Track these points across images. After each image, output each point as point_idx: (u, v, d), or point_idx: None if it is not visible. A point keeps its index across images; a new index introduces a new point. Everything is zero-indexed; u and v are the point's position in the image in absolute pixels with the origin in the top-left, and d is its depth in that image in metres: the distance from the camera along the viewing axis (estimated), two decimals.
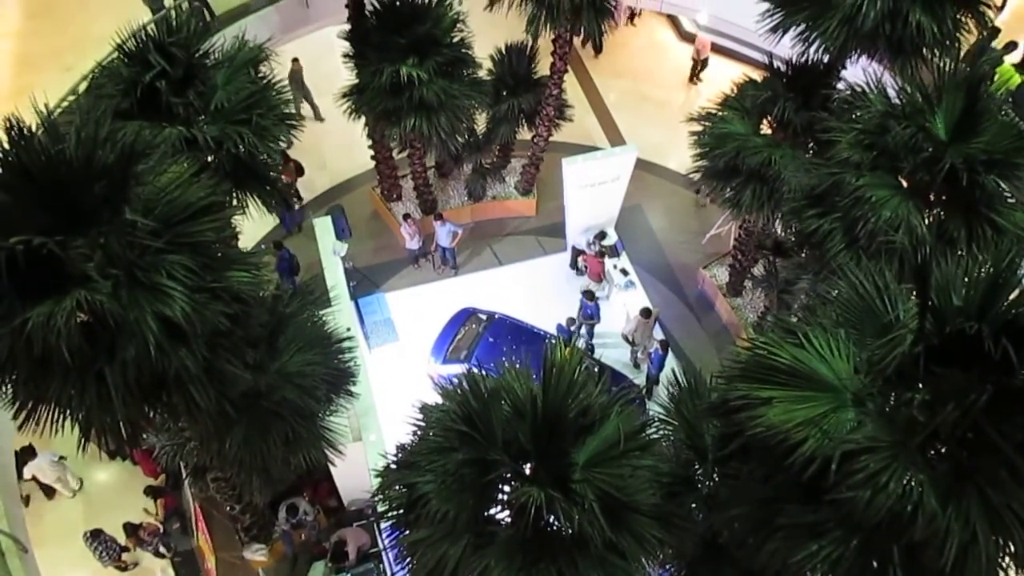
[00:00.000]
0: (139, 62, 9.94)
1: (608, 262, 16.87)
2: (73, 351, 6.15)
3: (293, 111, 11.36)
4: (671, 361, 15.22)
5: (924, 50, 11.20)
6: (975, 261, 5.86)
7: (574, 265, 17.60)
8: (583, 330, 16.00)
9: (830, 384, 6.18)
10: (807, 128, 12.54)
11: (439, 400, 7.52)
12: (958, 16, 11.12)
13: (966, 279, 5.77)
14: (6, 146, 6.07)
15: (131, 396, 6.61)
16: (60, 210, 6.17)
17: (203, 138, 10.05)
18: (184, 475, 12.71)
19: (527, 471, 7.02)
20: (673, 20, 23.53)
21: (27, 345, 6.09)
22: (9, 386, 6.76)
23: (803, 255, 11.91)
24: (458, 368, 13.46)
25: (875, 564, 6.09)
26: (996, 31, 11.89)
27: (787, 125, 12.84)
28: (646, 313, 15.27)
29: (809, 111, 12.40)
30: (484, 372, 7.43)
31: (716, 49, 21.52)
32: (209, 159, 10.29)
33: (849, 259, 9.54)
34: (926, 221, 9.57)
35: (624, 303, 16.38)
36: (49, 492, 14.43)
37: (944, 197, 9.68)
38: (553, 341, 7.30)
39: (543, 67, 16.65)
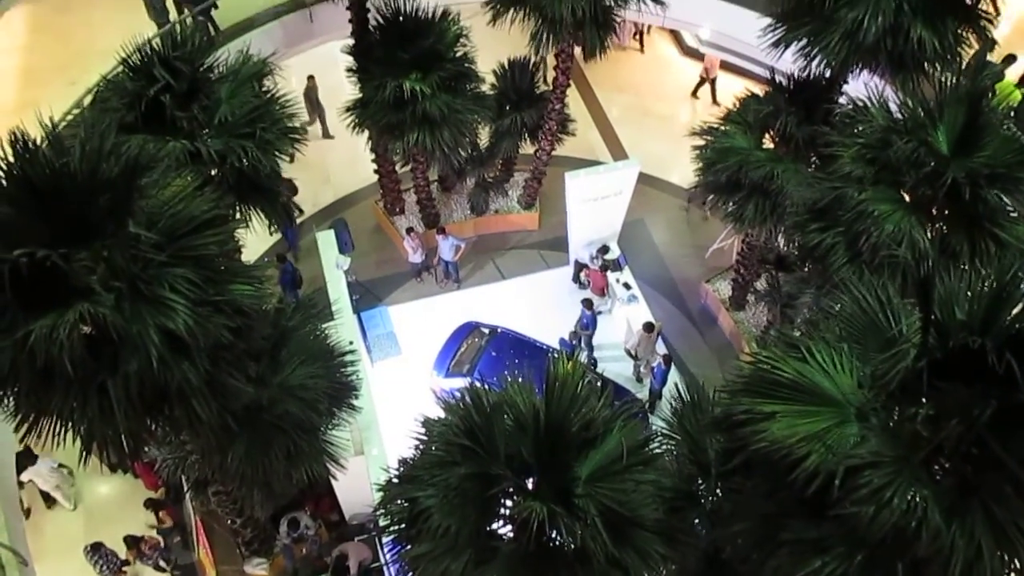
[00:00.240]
0: (144, 76, 9.99)
1: (611, 276, 16.87)
2: (76, 364, 6.15)
3: (298, 125, 11.36)
4: (674, 375, 15.19)
5: (925, 65, 11.24)
6: (978, 275, 5.85)
7: (577, 279, 17.62)
8: (582, 342, 16.00)
9: (833, 399, 6.16)
10: (809, 142, 12.58)
11: (441, 414, 7.50)
12: (959, 30, 11.16)
13: (969, 293, 5.76)
14: (11, 159, 6.09)
15: (133, 409, 6.60)
16: (64, 223, 6.18)
17: (207, 152, 10.09)
18: (185, 488, 12.67)
19: (529, 485, 6.99)
20: (676, 35, 23.63)
21: (30, 357, 6.09)
22: (11, 398, 6.76)
23: (806, 269, 11.92)
24: (461, 382, 13.45)
25: None
26: (994, 43, 11.94)
27: (789, 139, 12.87)
28: (649, 327, 15.25)
29: (811, 125, 12.44)
30: (487, 386, 7.42)
31: (721, 65, 21.59)
32: (213, 173, 10.33)
33: (852, 273, 9.54)
34: (929, 235, 9.57)
35: (627, 317, 16.36)
36: (48, 499, 14.39)
37: (947, 211, 9.68)
38: (556, 355, 7.29)
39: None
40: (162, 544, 13.53)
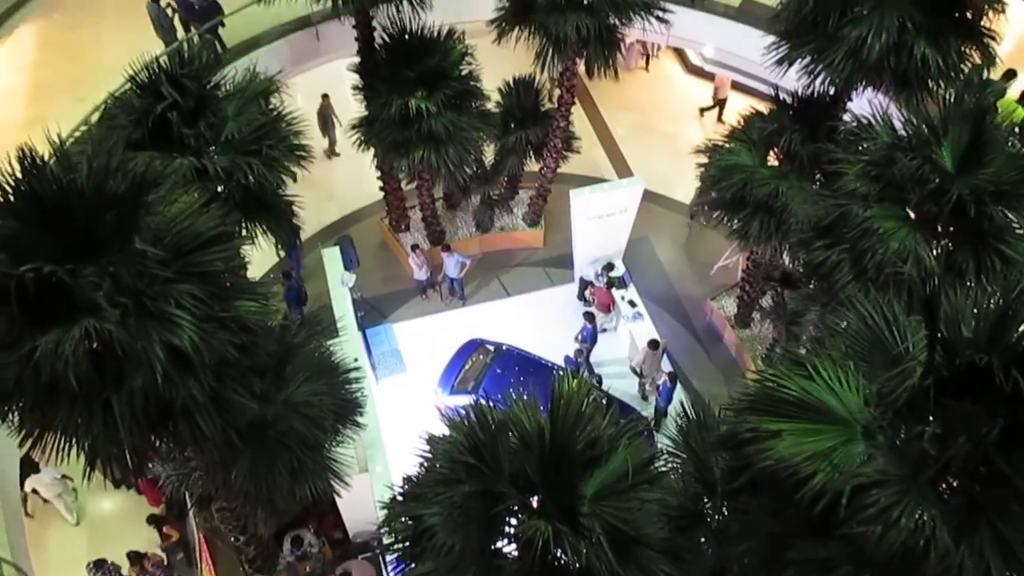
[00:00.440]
0: (151, 93, 10.07)
1: (616, 293, 16.86)
2: (81, 379, 6.16)
3: (308, 143, 11.42)
4: (679, 393, 15.14)
5: (929, 82, 11.26)
6: (984, 292, 5.84)
7: (582, 296, 17.61)
8: (584, 355, 15.99)
9: (840, 417, 6.12)
10: (814, 159, 12.58)
11: (446, 431, 7.48)
12: (962, 48, 11.19)
13: (975, 311, 5.75)
14: (19, 175, 6.13)
15: (137, 425, 6.60)
16: (71, 238, 6.22)
17: (213, 168, 10.15)
18: (189, 505, 12.64)
19: (534, 504, 6.95)
20: (680, 53, 23.74)
21: (35, 372, 6.11)
22: (15, 414, 6.76)
23: (811, 286, 11.89)
24: (465, 399, 13.41)
25: None
26: (994, 60, 11.96)
27: (794, 157, 12.88)
28: (654, 345, 15.22)
29: (815, 143, 12.45)
30: (491, 403, 7.40)
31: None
32: (219, 189, 10.37)
33: (857, 290, 9.50)
34: (934, 252, 9.55)
35: (632, 334, 16.33)
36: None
37: (952, 228, 9.66)
38: (561, 373, 7.28)
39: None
40: (165, 561, 13.48)
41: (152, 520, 14.06)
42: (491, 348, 15.97)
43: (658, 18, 14.09)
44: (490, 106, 15.61)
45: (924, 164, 9.13)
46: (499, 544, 7.25)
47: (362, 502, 11.79)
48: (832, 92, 12.43)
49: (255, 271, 14.12)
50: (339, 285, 14.70)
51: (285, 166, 10.88)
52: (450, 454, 7.19)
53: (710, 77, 22.45)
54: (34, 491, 13.96)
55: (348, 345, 12.09)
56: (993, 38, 11.31)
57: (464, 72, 14.52)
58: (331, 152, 20.38)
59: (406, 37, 14.22)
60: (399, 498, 7.72)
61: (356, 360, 11.55)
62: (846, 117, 12.55)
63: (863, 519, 5.53)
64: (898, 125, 9.69)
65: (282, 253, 17.23)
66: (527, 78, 16.46)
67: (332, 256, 15.25)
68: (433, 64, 14.09)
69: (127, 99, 10.25)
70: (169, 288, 6.48)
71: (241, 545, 12.64)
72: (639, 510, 6.81)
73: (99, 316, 6.17)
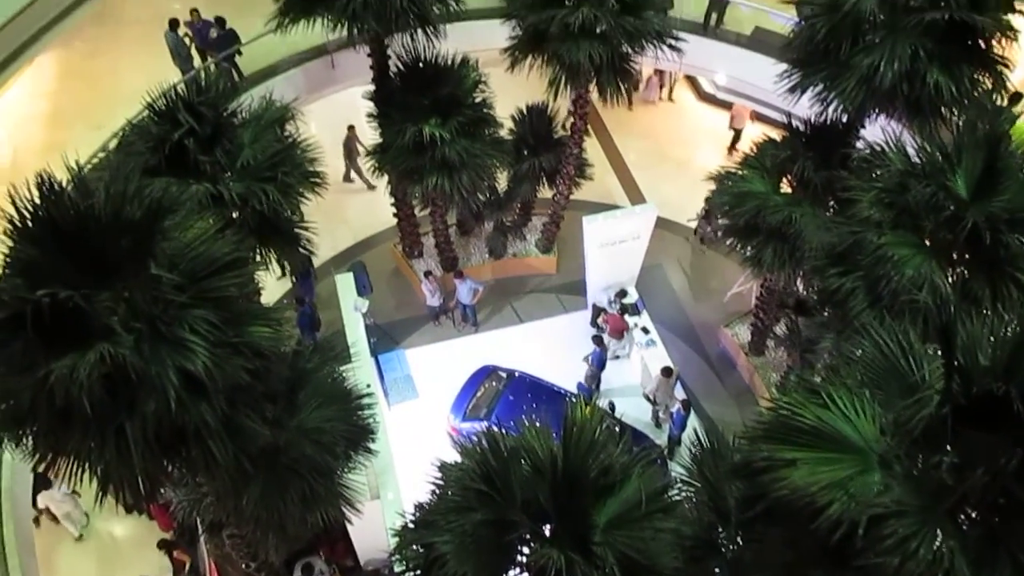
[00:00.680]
0: (168, 120, 10.19)
1: (629, 320, 16.82)
2: (95, 404, 6.17)
3: (320, 169, 11.51)
4: (693, 420, 15.04)
5: (942, 109, 11.26)
6: (1000, 320, 5.80)
7: (595, 323, 17.56)
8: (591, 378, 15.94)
9: (856, 446, 6.07)
10: (827, 187, 12.58)
11: (458, 458, 7.46)
12: (975, 75, 11.20)
13: (992, 339, 5.71)
14: (37, 200, 6.20)
15: (150, 450, 6.60)
16: (87, 263, 6.26)
17: (229, 195, 10.23)
18: (200, 531, 12.60)
19: (547, 532, 6.91)
20: (693, 81, 23.85)
21: (49, 397, 6.13)
22: (29, 438, 6.78)
23: (825, 314, 11.81)
24: (478, 426, 13.37)
25: None
26: (1004, 86, 11.93)
27: (807, 184, 12.87)
28: (667, 372, 15.15)
29: (829, 170, 12.45)
30: (504, 430, 7.37)
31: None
32: (234, 215, 10.45)
33: (872, 318, 9.44)
34: (949, 280, 9.49)
35: (645, 361, 16.27)
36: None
37: (967, 256, 9.60)
38: (573, 400, 7.25)
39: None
40: None
41: (163, 545, 14.03)
42: (504, 375, 15.93)
43: (670, 46, 14.18)
44: (503, 133, 15.71)
45: (938, 191, 9.10)
46: (511, 573, 7.19)
47: (373, 529, 11.72)
48: (845, 119, 12.45)
49: (269, 297, 14.18)
50: (352, 311, 14.73)
51: (300, 192, 10.96)
52: (462, 481, 7.17)
53: (723, 104, 22.53)
54: (47, 509, 13.97)
55: (360, 371, 12.09)
56: (1007, 65, 11.31)
57: (478, 100, 14.63)
58: (346, 177, 20.38)
59: (420, 65, 14.37)
60: (411, 525, 7.68)
61: (368, 386, 11.54)
62: (859, 144, 12.56)
63: (880, 550, 5.46)
64: (911, 152, 9.68)
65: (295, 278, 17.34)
66: (540, 105, 16.58)
67: (345, 282, 15.30)
68: (447, 92, 14.21)
69: (144, 126, 10.38)
70: (184, 313, 6.50)
71: (252, 572, 12.55)
72: (652, 539, 6.75)
73: (114, 341, 6.20)
